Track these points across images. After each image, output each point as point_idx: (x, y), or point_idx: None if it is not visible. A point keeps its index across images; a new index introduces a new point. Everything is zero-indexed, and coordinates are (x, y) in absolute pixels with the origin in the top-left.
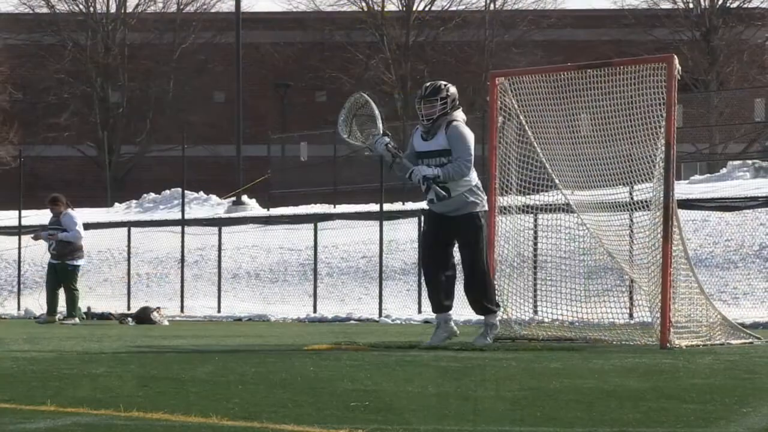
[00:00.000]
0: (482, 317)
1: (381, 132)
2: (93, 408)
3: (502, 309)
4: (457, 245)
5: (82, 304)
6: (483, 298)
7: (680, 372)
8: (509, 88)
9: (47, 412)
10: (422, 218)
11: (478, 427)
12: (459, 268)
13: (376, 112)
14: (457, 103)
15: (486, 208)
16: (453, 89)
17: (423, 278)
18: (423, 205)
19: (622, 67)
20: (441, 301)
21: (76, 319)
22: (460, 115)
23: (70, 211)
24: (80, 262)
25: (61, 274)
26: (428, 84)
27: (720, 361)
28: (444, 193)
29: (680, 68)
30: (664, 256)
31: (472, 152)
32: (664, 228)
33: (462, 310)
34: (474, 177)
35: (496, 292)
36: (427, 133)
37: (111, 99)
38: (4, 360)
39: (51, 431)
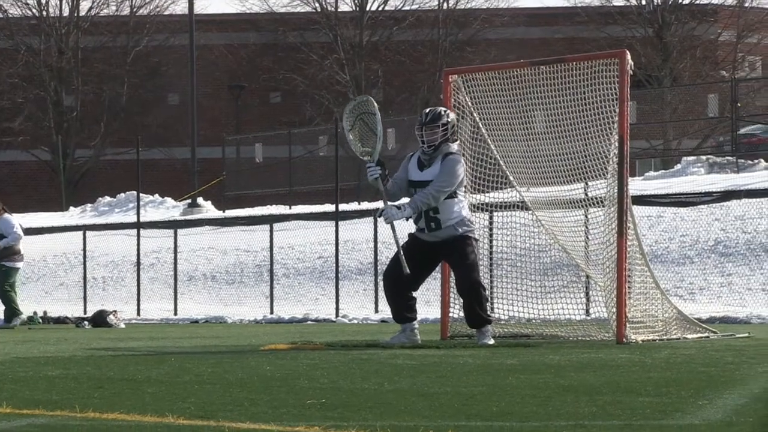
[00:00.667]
0: (474, 329)
1: (376, 159)
2: (49, 409)
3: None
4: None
5: (39, 308)
6: (480, 310)
7: (636, 366)
8: (463, 86)
9: (2, 414)
10: (376, 218)
11: (433, 423)
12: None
13: (379, 128)
14: (456, 128)
15: (477, 237)
16: (452, 115)
17: (384, 291)
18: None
19: (575, 63)
20: (403, 314)
21: (17, 320)
22: (455, 147)
23: (6, 215)
24: (18, 264)
25: None
26: (428, 110)
27: (676, 355)
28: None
29: (633, 63)
30: (619, 252)
31: (454, 183)
32: (619, 223)
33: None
34: (463, 210)
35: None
36: (429, 161)
37: (65, 103)
38: None
39: None
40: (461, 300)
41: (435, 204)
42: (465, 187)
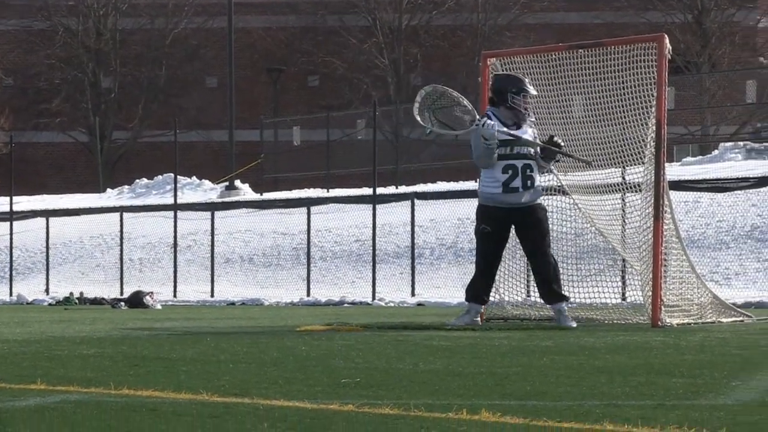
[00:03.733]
0: (556, 305)
1: (479, 116)
2: (83, 386)
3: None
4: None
5: (75, 290)
6: (558, 287)
7: (670, 348)
8: (501, 69)
9: (37, 390)
10: (413, 202)
11: (467, 401)
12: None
13: (459, 98)
14: None
15: None
16: None
17: (479, 269)
18: (415, 188)
19: (613, 47)
20: (483, 296)
21: None
22: None
23: None
24: None
25: None
26: (527, 80)
27: (710, 338)
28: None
29: (671, 48)
30: (655, 237)
31: None
32: (655, 207)
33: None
34: None
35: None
36: (517, 124)
37: (103, 84)
38: None
39: (40, 408)
40: (533, 272)
41: (528, 156)
42: None
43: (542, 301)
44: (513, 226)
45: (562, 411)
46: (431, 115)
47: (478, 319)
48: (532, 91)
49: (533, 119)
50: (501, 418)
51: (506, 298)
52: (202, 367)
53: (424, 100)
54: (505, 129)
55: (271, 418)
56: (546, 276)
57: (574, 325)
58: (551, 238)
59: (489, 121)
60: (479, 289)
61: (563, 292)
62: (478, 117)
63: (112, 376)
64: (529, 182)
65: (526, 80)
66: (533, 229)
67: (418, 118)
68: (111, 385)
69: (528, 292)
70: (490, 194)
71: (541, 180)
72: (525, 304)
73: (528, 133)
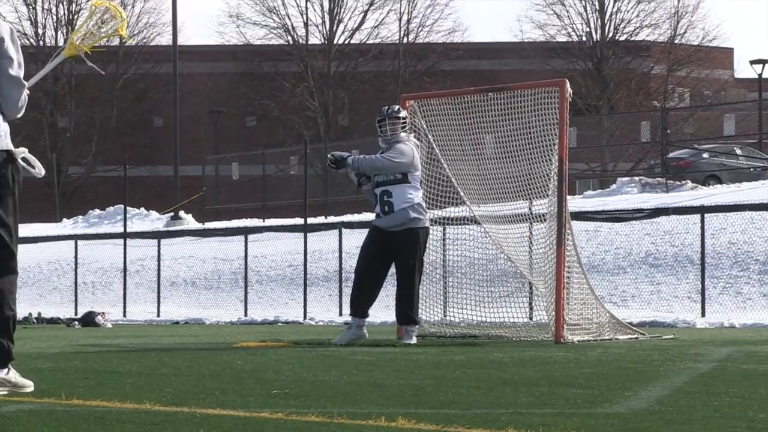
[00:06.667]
0: (405, 326)
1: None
2: (37, 397)
3: (419, 325)
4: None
5: (33, 310)
6: (409, 311)
7: (571, 362)
8: (419, 111)
9: None
10: (341, 230)
11: (385, 410)
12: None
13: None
14: (410, 123)
15: (427, 225)
16: (406, 113)
17: (353, 283)
18: (342, 218)
19: (519, 90)
20: (363, 309)
21: None
22: (411, 137)
23: None
24: None
25: None
26: (387, 107)
27: (608, 353)
28: (359, 180)
29: (571, 91)
30: (558, 261)
31: (400, 160)
32: (558, 235)
33: (378, 313)
34: (417, 195)
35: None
36: (387, 150)
37: (60, 124)
38: None
39: None
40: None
41: (372, 170)
42: (420, 178)
43: (458, 320)
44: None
45: (472, 418)
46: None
47: (365, 331)
48: (392, 113)
49: (403, 135)
50: (416, 424)
51: (424, 318)
52: (146, 379)
53: None
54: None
55: (207, 425)
56: (401, 301)
57: (414, 341)
58: (424, 262)
59: (351, 155)
60: (355, 303)
61: (415, 318)
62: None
63: (63, 387)
64: (386, 207)
65: (392, 107)
66: (396, 252)
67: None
68: (62, 396)
69: (445, 312)
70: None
71: (414, 200)
72: (441, 323)
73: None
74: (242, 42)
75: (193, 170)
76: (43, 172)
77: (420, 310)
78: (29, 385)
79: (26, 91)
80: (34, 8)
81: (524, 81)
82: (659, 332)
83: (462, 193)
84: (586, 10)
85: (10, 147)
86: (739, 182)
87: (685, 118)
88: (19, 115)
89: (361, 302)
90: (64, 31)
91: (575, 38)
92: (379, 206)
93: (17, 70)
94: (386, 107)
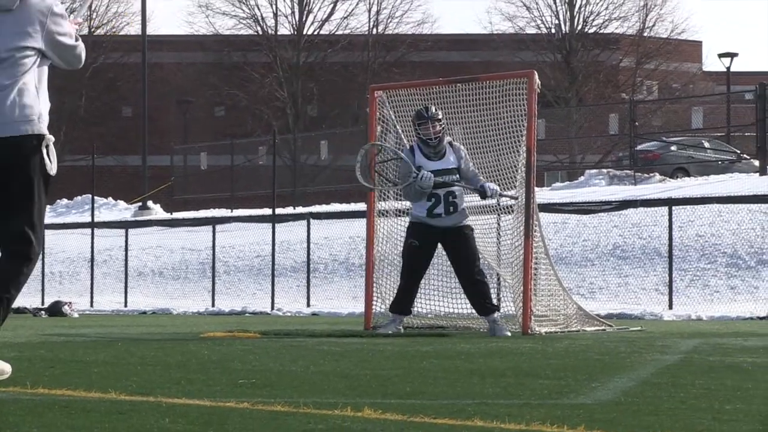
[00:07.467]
0: (488, 316)
1: (416, 168)
2: (2, 386)
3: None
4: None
5: None
6: (485, 299)
7: (538, 354)
8: (387, 101)
9: None
10: (309, 221)
11: (351, 400)
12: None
13: (395, 150)
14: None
15: None
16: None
17: (404, 281)
18: (311, 209)
19: (488, 81)
20: (408, 307)
21: None
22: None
23: None
24: None
25: None
26: (426, 107)
27: (575, 345)
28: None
29: (540, 83)
30: (526, 253)
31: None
32: (526, 227)
33: (345, 303)
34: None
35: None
36: (436, 151)
37: None
38: None
39: None
40: (464, 289)
41: (452, 184)
42: None
43: (425, 311)
44: (441, 245)
45: (438, 409)
46: (372, 174)
47: (401, 328)
48: (436, 114)
49: (449, 139)
50: (382, 414)
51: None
52: (112, 368)
53: (363, 158)
54: (432, 168)
55: (172, 414)
56: (475, 291)
57: (509, 333)
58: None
59: (426, 173)
60: (401, 302)
61: (492, 305)
62: (414, 169)
63: (29, 376)
64: (451, 208)
65: (431, 108)
66: (460, 248)
67: (361, 179)
68: (27, 385)
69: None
70: (417, 216)
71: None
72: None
73: (452, 159)
74: (211, 32)
75: (161, 160)
76: (55, 170)
77: (388, 301)
78: (7, 372)
79: (80, 45)
80: None
81: (493, 72)
82: (626, 324)
83: None
84: (555, 3)
85: (44, 131)
86: (706, 175)
87: (654, 111)
88: (81, 64)
89: (411, 301)
90: None
91: (544, 30)
92: (443, 206)
93: (68, 39)
94: (424, 108)
